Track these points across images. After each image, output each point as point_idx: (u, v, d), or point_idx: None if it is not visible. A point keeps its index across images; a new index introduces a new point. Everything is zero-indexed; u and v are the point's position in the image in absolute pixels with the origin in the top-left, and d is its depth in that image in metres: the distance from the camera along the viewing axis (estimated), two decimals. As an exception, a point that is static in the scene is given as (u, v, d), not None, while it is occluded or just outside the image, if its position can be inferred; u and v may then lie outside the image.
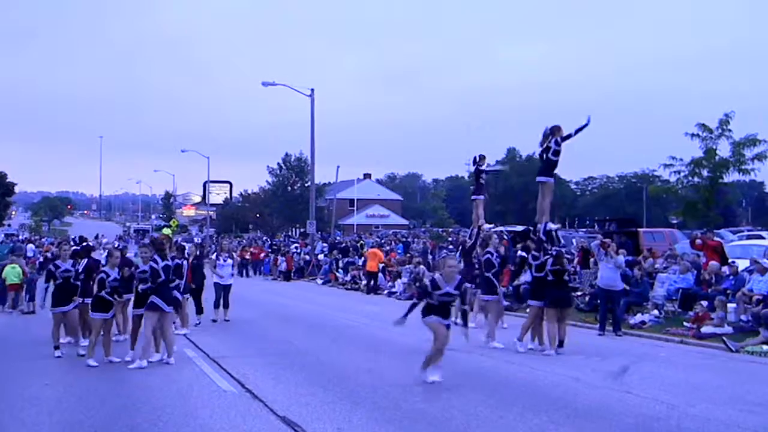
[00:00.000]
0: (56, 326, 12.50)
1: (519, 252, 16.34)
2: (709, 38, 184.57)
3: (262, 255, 42.27)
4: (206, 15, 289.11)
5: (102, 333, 11.75)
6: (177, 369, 11.14)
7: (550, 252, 13.10)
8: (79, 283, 12.53)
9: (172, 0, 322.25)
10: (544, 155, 13.89)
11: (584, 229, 53.41)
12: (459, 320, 16.73)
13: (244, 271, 39.22)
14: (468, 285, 16.71)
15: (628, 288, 16.85)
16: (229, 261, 18.06)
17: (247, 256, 41.29)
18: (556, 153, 13.83)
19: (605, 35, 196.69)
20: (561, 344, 12.68)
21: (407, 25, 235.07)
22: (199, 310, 16.82)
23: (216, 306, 17.44)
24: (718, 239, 20.30)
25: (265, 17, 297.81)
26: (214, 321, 17.10)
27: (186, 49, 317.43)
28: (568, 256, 13.64)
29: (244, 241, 60.65)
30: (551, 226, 13.98)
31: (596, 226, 30.46)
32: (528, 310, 13.68)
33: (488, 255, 14.18)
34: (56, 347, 12.33)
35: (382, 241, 42.75)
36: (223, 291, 17.54)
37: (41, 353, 12.64)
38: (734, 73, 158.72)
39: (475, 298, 16.58)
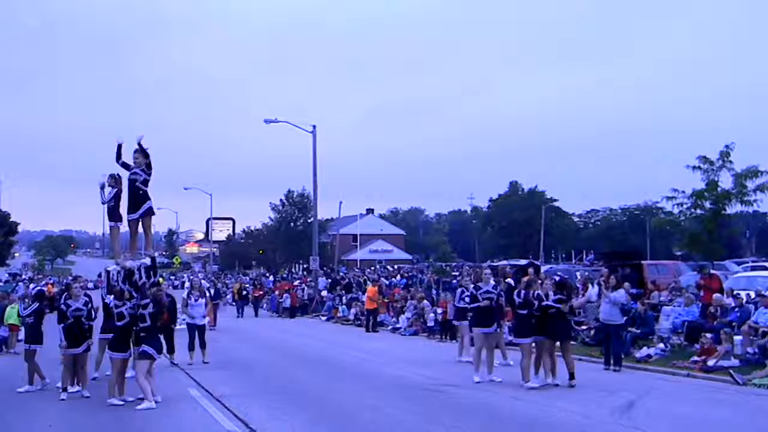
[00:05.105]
0: (66, 368, 12.42)
1: (507, 280, 16.12)
2: (708, 72, 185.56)
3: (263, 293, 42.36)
4: (207, 53, 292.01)
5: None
6: (180, 409, 11.09)
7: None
8: (92, 323, 12.52)
9: (172, 38, 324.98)
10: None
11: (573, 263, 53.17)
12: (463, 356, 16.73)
13: (253, 311, 39.03)
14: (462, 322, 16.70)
15: (632, 327, 16.89)
16: (201, 300, 17.50)
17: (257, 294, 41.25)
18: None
19: (605, 71, 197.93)
20: (572, 377, 12.61)
21: (407, 63, 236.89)
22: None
23: (190, 348, 16.74)
24: (715, 272, 20.20)
25: (266, 56, 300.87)
26: (190, 365, 16.25)
27: (187, 87, 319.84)
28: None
29: (246, 278, 60.62)
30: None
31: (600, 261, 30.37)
32: (520, 348, 13.26)
33: (471, 290, 14.11)
34: (64, 389, 12.25)
35: (380, 276, 42.40)
36: (197, 331, 16.89)
37: (45, 394, 12.60)
38: (734, 105, 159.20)
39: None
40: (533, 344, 13.01)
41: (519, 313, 13.09)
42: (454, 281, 29.66)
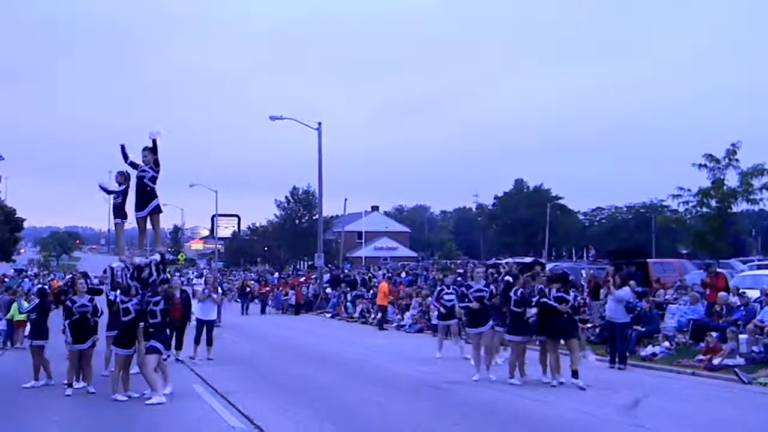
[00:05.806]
0: (71, 364, 12.46)
1: (505, 278, 15.98)
2: (710, 71, 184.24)
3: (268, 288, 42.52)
4: (209, 51, 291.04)
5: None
6: (185, 405, 11.11)
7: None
8: (97, 319, 12.58)
9: (173, 36, 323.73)
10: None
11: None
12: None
13: (256, 307, 39.11)
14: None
15: (637, 326, 16.85)
16: (213, 296, 17.55)
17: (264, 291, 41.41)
18: None
19: (605, 70, 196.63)
20: (575, 374, 12.45)
21: (407, 62, 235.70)
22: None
23: (196, 341, 16.76)
24: (721, 271, 20.14)
25: (268, 55, 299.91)
26: (192, 358, 16.28)
27: (188, 84, 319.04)
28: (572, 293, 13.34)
29: (251, 274, 60.73)
30: None
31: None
32: (510, 345, 13.34)
33: (458, 289, 14.13)
34: (69, 385, 12.29)
35: (391, 273, 42.42)
36: (205, 327, 16.89)
37: (50, 389, 12.64)
38: (735, 105, 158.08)
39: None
40: (526, 343, 13.06)
41: (513, 310, 13.03)
42: (458, 278, 29.60)
